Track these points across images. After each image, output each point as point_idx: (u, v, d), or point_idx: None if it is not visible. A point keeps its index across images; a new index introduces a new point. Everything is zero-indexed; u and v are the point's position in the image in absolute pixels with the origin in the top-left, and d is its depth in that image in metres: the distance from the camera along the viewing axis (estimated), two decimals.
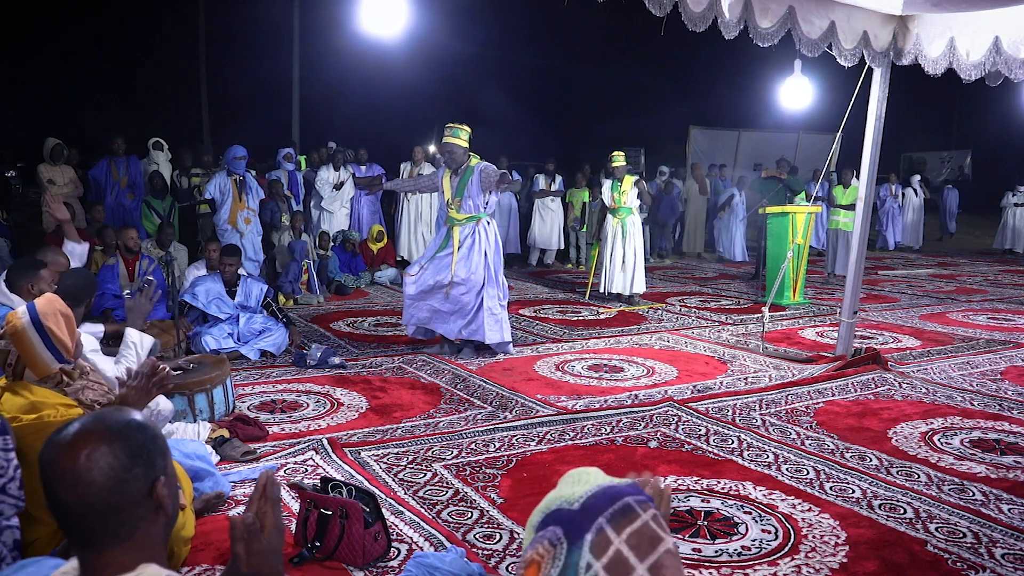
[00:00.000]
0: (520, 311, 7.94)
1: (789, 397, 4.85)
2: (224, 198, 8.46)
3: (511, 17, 20.44)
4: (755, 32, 4.44)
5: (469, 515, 3.11)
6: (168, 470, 1.31)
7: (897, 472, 3.63)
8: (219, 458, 3.60)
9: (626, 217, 8.65)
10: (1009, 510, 3.21)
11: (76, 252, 4.34)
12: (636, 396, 4.89)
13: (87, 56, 19.36)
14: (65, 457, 1.22)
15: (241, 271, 6.20)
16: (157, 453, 1.29)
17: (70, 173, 9.09)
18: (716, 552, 2.83)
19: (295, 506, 3.08)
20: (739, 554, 2.81)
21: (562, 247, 12.41)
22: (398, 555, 2.76)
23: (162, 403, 3.49)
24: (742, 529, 3.01)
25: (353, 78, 19.63)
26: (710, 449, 3.89)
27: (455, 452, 3.81)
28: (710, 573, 2.69)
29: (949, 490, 3.42)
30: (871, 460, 3.78)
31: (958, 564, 2.75)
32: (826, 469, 3.63)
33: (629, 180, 8.66)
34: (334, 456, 3.69)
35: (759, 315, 7.17)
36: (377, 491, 3.20)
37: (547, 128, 21.69)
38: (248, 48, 19.63)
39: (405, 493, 3.31)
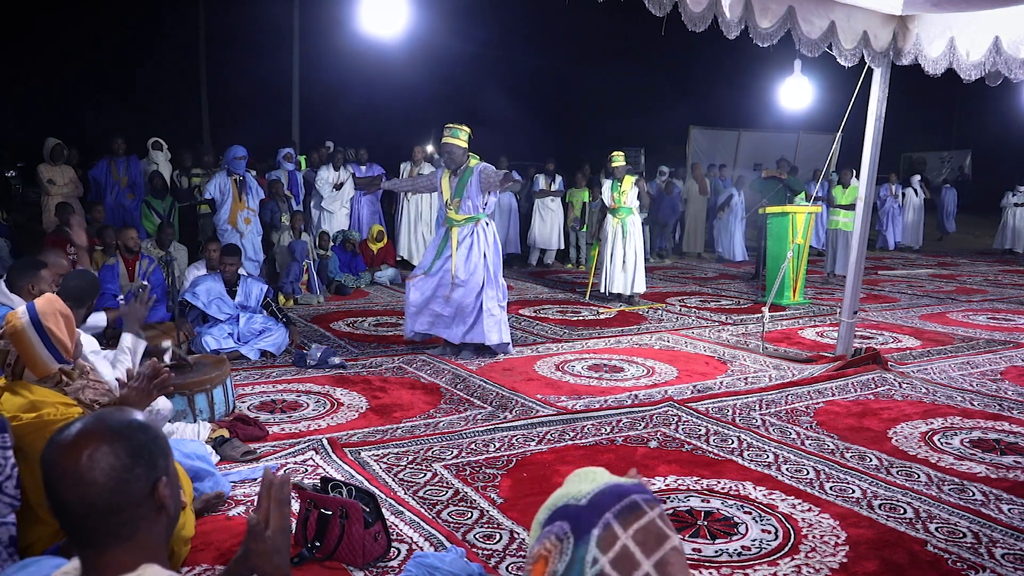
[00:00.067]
0: (520, 311, 7.95)
1: (789, 397, 4.85)
2: (224, 198, 8.47)
3: (511, 17, 20.44)
4: (755, 32, 4.44)
5: (469, 515, 3.11)
6: (170, 470, 1.31)
7: (897, 472, 3.63)
8: (219, 458, 3.60)
9: (626, 217, 8.65)
10: (1009, 510, 3.21)
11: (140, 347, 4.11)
12: (636, 396, 4.89)
13: (87, 56, 19.36)
14: (67, 457, 1.22)
15: (241, 271, 6.20)
16: (159, 453, 1.29)
17: (70, 173, 9.09)
18: (716, 552, 2.83)
19: (295, 506, 3.08)
20: (739, 554, 2.81)
21: (562, 247, 12.41)
22: (398, 555, 2.76)
23: (161, 403, 3.49)
24: (742, 529, 3.01)
25: (353, 78, 19.63)
26: (710, 449, 3.89)
27: (455, 452, 3.81)
28: (710, 573, 2.69)
29: (949, 490, 3.42)
30: (871, 460, 3.78)
31: (958, 564, 2.76)
32: (826, 469, 3.63)
33: (629, 180, 8.67)
34: (334, 456, 3.69)
35: (759, 315, 7.17)
36: (377, 491, 3.20)
37: (547, 128, 21.69)
38: (248, 48, 19.63)
39: (405, 493, 3.31)
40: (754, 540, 2.92)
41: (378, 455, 3.75)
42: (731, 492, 3.36)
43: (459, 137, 5.80)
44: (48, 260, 4.05)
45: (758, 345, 6.31)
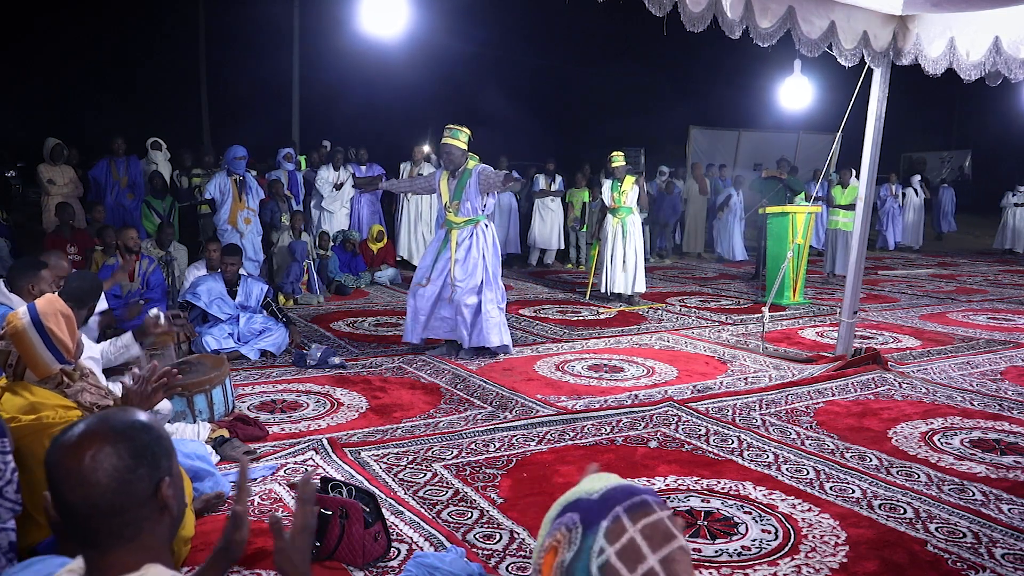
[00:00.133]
0: (520, 311, 7.95)
1: (789, 397, 4.85)
2: (224, 198, 8.47)
3: (511, 17, 20.43)
4: (755, 32, 4.45)
5: (469, 515, 3.11)
6: (173, 471, 1.31)
7: (897, 472, 3.63)
8: (219, 458, 3.60)
9: (626, 217, 8.65)
10: (1009, 510, 3.21)
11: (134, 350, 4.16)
12: (636, 396, 4.89)
13: (87, 56, 19.35)
14: (70, 458, 1.22)
15: (241, 271, 6.20)
16: (162, 454, 1.29)
17: (70, 173, 9.09)
18: (716, 552, 2.83)
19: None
20: (739, 554, 2.82)
21: (562, 247, 12.41)
22: (398, 555, 2.76)
23: (161, 404, 3.49)
24: (742, 529, 3.01)
25: (353, 78, 19.62)
26: (710, 449, 3.90)
27: (455, 452, 3.81)
28: (710, 573, 2.69)
29: (949, 490, 3.42)
30: (871, 460, 3.78)
31: (958, 564, 2.76)
32: (826, 469, 3.63)
33: (629, 180, 8.67)
34: (334, 456, 3.69)
35: (759, 315, 7.17)
36: (377, 491, 3.20)
37: (547, 128, 21.68)
38: (248, 48, 19.62)
39: (405, 493, 3.31)
40: (754, 540, 2.92)
41: (378, 455, 3.75)
42: (731, 492, 3.36)
43: (458, 138, 5.78)
44: (48, 260, 4.06)
45: (758, 345, 6.31)
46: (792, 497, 3.31)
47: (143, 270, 6.74)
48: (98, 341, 4.17)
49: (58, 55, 19.02)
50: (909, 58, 5.15)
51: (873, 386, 5.10)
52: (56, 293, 3.58)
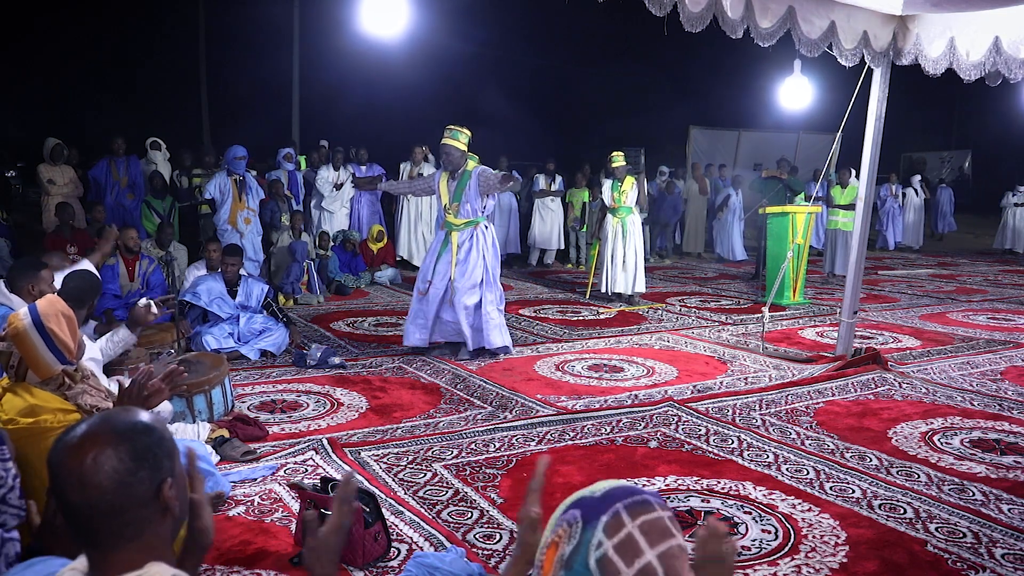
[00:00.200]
0: (520, 311, 7.95)
1: (789, 397, 4.85)
2: (224, 198, 8.47)
3: (511, 17, 20.42)
4: (756, 32, 4.45)
5: (469, 515, 3.11)
6: (176, 471, 1.32)
7: (897, 472, 3.63)
8: (219, 458, 3.60)
9: (626, 217, 8.65)
10: (1009, 510, 3.21)
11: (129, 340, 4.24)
12: (636, 396, 4.89)
13: (87, 56, 19.34)
14: (72, 459, 1.23)
15: (242, 271, 6.20)
16: (164, 455, 1.29)
17: (70, 173, 9.09)
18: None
19: (295, 506, 3.08)
20: (739, 554, 2.82)
21: (562, 247, 12.42)
22: (398, 555, 2.76)
23: (161, 405, 3.49)
24: (742, 529, 3.01)
25: (353, 78, 19.61)
26: (710, 449, 3.90)
27: (455, 452, 3.81)
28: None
29: (949, 490, 3.42)
30: (871, 460, 3.78)
31: (958, 564, 2.76)
32: (826, 469, 3.63)
33: (630, 180, 8.67)
34: (334, 456, 3.69)
35: (759, 315, 7.17)
36: (377, 491, 3.20)
37: (547, 128, 21.66)
38: (248, 48, 19.61)
39: (405, 493, 3.31)
40: (754, 540, 2.92)
41: (378, 455, 3.75)
42: (731, 492, 3.37)
43: (458, 139, 5.77)
44: (48, 260, 4.06)
45: (758, 345, 6.31)
46: (792, 497, 3.31)
47: (143, 270, 6.75)
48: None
49: (58, 55, 19.01)
50: (909, 58, 5.15)
51: (873, 386, 5.10)
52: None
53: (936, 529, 3.03)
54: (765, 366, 5.72)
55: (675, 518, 1.29)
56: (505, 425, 4.22)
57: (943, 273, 11.89)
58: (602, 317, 7.77)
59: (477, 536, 2.94)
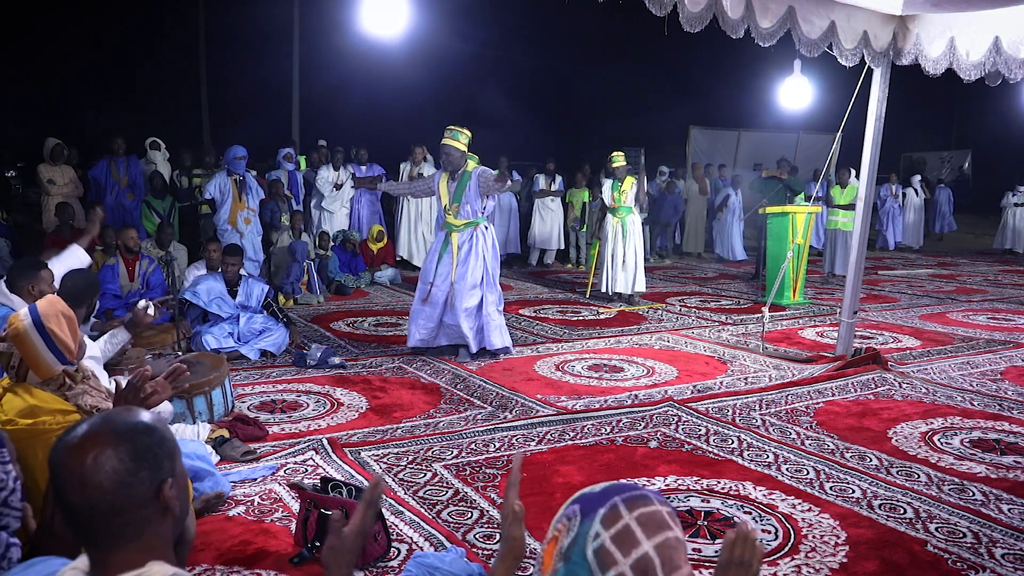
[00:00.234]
0: (520, 311, 7.95)
1: (789, 397, 4.85)
2: (224, 198, 8.47)
3: (511, 17, 20.42)
4: (756, 32, 4.45)
5: (469, 515, 3.11)
6: (176, 472, 1.32)
7: (897, 472, 3.63)
8: (219, 458, 3.60)
9: (626, 217, 8.65)
10: (1009, 510, 3.21)
11: (78, 254, 4.32)
12: (636, 396, 4.89)
13: (87, 56, 19.34)
14: (72, 459, 1.23)
15: (242, 271, 6.20)
16: (164, 456, 1.30)
17: (70, 173, 9.09)
18: (716, 552, 2.83)
19: (295, 506, 3.08)
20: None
21: (562, 247, 12.42)
22: (398, 555, 2.76)
23: (161, 405, 3.49)
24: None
25: (353, 78, 19.61)
26: (710, 449, 3.90)
27: (455, 452, 3.81)
28: (710, 573, 2.69)
29: (949, 490, 3.42)
30: (871, 460, 3.78)
31: (958, 564, 2.76)
32: (826, 469, 3.63)
33: (630, 180, 8.67)
34: (334, 456, 3.69)
35: (759, 315, 7.17)
36: None
37: (547, 128, 21.66)
38: (248, 48, 19.61)
39: (405, 493, 3.31)
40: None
41: (378, 455, 3.75)
42: (731, 492, 3.37)
43: (458, 140, 5.76)
44: (48, 260, 4.06)
45: (758, 345, 6.31)
46: (792, 497, 3.31)
47: (143, 270, 6.75)
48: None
49: (58, 55, 19.00)
50: (909, 58, 5.15)
51: (873, 386, 5.10)
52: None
53: (936, 529, 3.03)
54: (765, 366, 5.72)
55: (675, 513, 1.29)
56: (505, 425, 4.22)
57: (943, 273, 11.90)
58: (602, 317, 7.77)
59: (477, 536, 2.94)
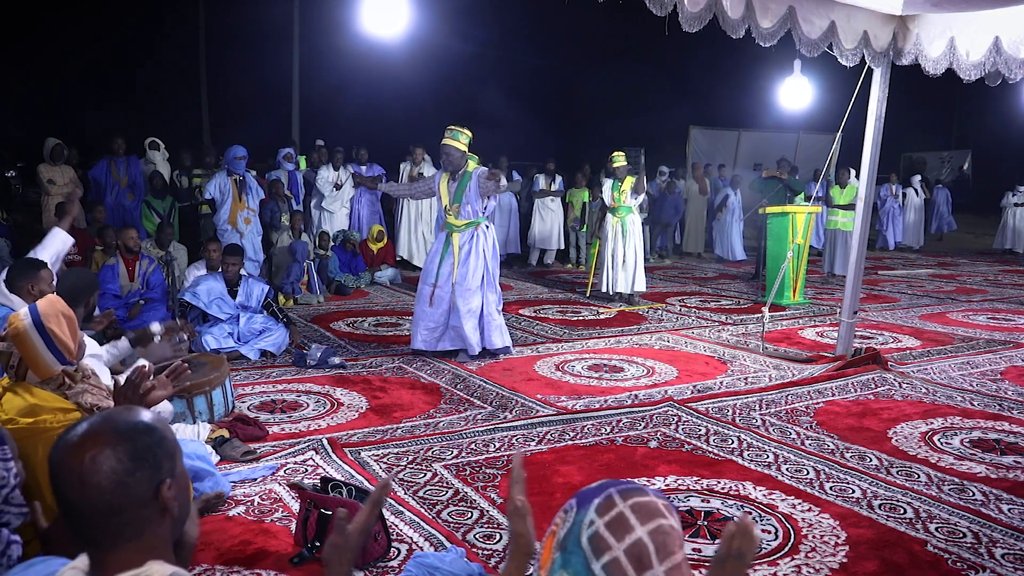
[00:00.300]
0: (520, 311, 7.95)
1: (789, 397, 4.85)
2: (224, 198, 8.47)
3: (511, 17, 20.42)
4: (756, 32, 4.45)
5: (469, 515, 3.11)
6: (176, 472, 1.32)
7: (897, 472, 3.63)
8: (219, 458, 3.60)
9: (626, 216, 8.65)
10: (1009, 510, 3.21)
11: (60, 236, 4.24)
12: (636, 396, 4.89)
13: (87, 56, 19.33)
14: (72, 458, 1.23)
15: (242, 271, 6.20)
16: (163, 456, 1.29)
17: (70, 173, 9.09)
18: (716, 551, 2.83)
19: (295, 506, 3.08)
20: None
21: (562, 247, 12.42)
22: (398, 555, 2.76)
23: (161, 405, 3.49)
24: None
25: (353, 78, 19.61)
26: (710, 449, 3.90)
27: (455, 452, 3.81)
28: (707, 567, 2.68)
29: (949, 490, 3.42)
30: (871, 460, 3.78)
31: (958, 564, 2.76)
32: (826, 469, 3.63)
33: (630, 180, 8.67)
34: (334, 456, 3.69)
35: (759, 315, 7.17)
36: None
37: (547, 128, 21.65)
38: (248, 48, 19.61)
39: (405, 493, 3.31)
40: None
41: (378, 455, 3.75)
42: (731, 492, 3.37)
43: (458, 140, 5.75)
44: (33, 251, 4.06)
45: (758, 345, 6.31)
46: (792, 497, 3.31)
47: (143, 270, 6.74)
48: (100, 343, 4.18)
49: (58, 55, 19.00)
50: (909, 58, 5.15)
51: (873, 386, 5.10)
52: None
53: (936, 529, 3.03)
54: (765, 366, 5.72)
55: (672, 507, 1.30)
56: (505, 425, 4.22)
57: (943, 273, 11.90)
58: (602, 317, 7.77)
59: (477, 536, 2.94)
